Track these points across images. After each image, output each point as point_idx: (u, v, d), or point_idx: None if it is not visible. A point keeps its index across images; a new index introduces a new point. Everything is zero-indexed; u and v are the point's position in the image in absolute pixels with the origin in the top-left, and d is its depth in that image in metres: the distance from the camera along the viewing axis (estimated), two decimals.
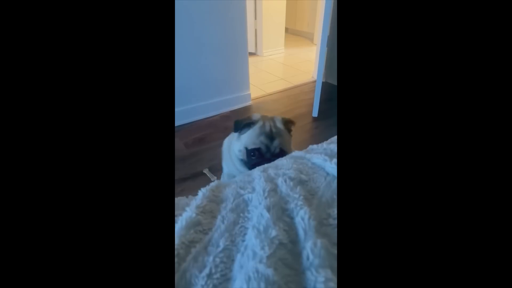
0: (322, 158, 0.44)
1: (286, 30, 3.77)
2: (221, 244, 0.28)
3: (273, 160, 0.87)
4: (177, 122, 1.82)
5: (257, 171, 0.48)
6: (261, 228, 0.27)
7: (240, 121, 0.93)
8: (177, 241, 0.28)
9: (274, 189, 0.36)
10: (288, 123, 0.96)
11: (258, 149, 0.89)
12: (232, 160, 1.00)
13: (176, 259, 0.26)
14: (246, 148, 0.90)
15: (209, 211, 0.34)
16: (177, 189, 1.26)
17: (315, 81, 2.53)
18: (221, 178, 1.13)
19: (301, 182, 0.37)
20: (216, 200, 0.37)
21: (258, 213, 0.30)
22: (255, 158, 0.90)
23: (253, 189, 0.38)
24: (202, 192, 0.38)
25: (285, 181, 0.36)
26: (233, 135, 1.02)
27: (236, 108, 2.11)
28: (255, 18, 3.29)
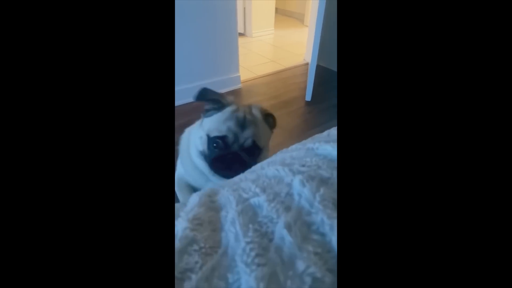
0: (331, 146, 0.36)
1: (276, 10, 3.60)
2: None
3: (241, 155, 0.67)
4: None
5: (260, 168, 0.40)
6: (285, 258, 0.20)
7: (207, 91, 0.70)
8: None
9: (289, 193, 0.28)
10: (268, 117, 0.75)
11: (223, 138, 0.66)
12: (189, 154, 0.76)
13: None
14: (208, 136, 0.68)
15: (208, 222, 0.26)
16: None
17: (306, 64, 2.44)
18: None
19: (323, 181, 0.29)
20: (214, 208, 0.29)
21: (278, 233, 0.22)
22: (218, 149, 0.67)
23: (263, 190, 0.30)
24: (199, 196, 0.30)
25: (306, 181, 0.28)
26: (196, 124, 0.80)
27: (225, 91, 2.00)
28: None
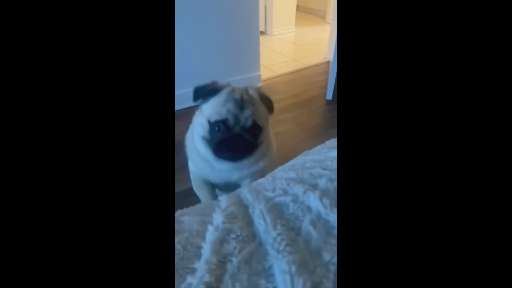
0: None
1: (297, 8, 3.59)
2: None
3: (244, 135, 0.68)
4: (185, 105, 1.76)
5: (281, 171, 0.43)
6: (312, 250, 0.23)
7: (201, 87, 0.70)
8: (213, 258, 0.24)
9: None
10: (266, 99, 0.75)
11: (224, 121, 0.66)
12: (195, 145, 0.77)
13: (212, 284, 0.22)
14: (209, 121, 0.68)
15: (242, 217, 0.30)
16: (182, 174, 1.22)
17: (328, 62, 2.43)
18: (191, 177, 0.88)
19: None
20: (244, 205, 0.32)
21: (305, 229, 0.26)
22: (220, 133, 0.68)
23: (285, 192, 0.33)
24: (229, 196, 0.34)
25: (330, 181, 0.31)
26: (196, 113, 0.79)
27: None
28: None
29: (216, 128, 0.68)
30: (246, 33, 1.90)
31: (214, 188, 0.84)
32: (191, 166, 0.86)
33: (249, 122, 0.68)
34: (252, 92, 0.71)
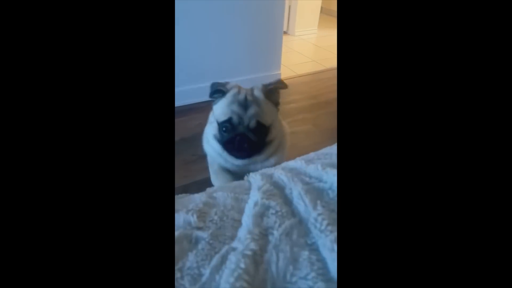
0: None
1: (321, 9, 3.56)
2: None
3: (248, 135, 0.71)
4: (203, 98, 1.78)
5: (316, 158, 0.43)
6: None
7: (215, 83, 0.76)
8: (255, 230, 0.24)
9: None
10: (271, 93, 0.76)
11: (229, 121, 0.71)
12: (209, 141, 0.83)
13: (257, 252, 0.22)
14: (217, 122, 0.74)
15: (279, 195, 0.30)
16: (200, 164, 1.23)
17: None
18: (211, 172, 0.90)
19: None
20: (279, 186, 0.33)
21: None
22: (227, 133, 0.73)
23: (320, 180, 0.33)
24: (261, 175, 0.34)
25: None
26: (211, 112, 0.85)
27: None
28: None
29: (224, 129, 0.73)
30: (270, 32, 1.90)
31: (231, 176, 0.85)
32: (208, 154, 0.90)
33: (253, 123, 0.71)
34: (257, 93, 0.75)
